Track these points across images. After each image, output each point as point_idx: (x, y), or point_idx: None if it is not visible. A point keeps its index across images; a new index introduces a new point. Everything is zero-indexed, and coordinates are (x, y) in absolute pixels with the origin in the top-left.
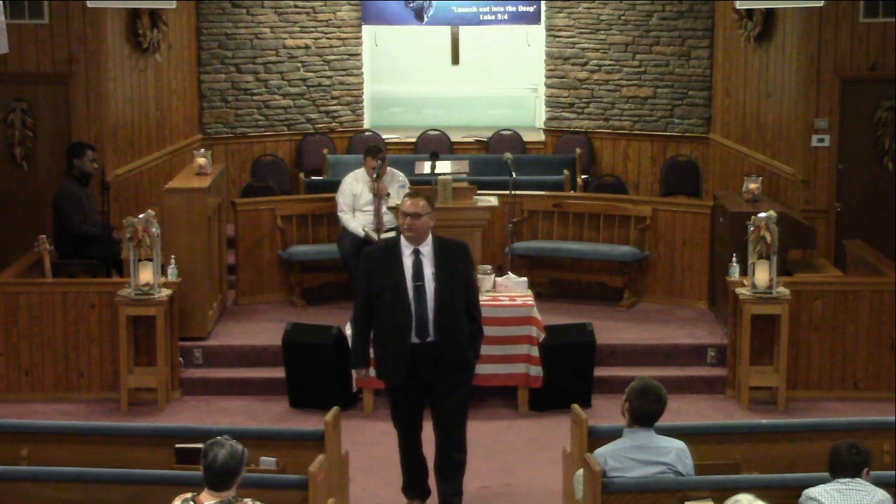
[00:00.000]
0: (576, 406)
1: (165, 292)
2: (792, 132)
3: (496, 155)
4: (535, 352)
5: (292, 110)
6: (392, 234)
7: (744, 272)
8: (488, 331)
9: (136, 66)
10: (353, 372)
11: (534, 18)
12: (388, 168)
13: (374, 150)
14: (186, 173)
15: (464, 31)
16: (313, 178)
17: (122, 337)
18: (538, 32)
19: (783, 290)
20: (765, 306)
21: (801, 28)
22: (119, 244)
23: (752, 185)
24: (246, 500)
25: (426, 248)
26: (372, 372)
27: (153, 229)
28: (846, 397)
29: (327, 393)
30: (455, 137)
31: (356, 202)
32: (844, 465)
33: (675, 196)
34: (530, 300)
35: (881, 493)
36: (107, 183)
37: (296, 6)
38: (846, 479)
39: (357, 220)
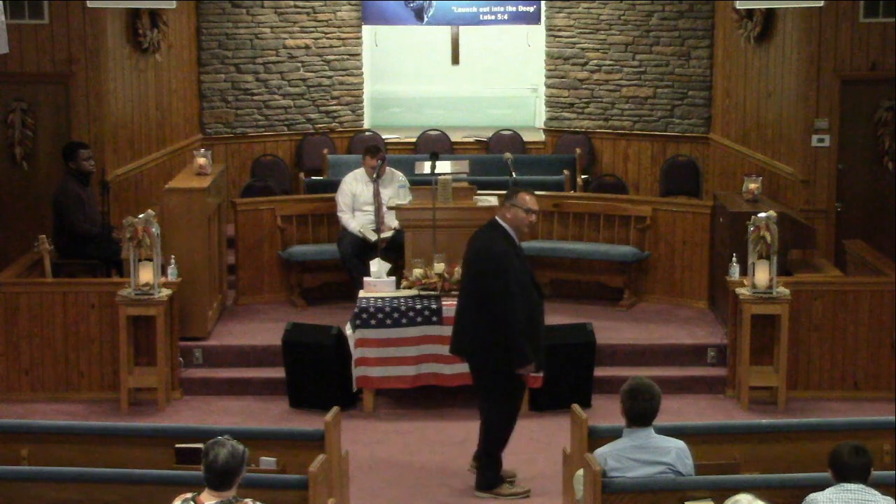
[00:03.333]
0: (576, 406)
1: (165, 292)
2: (792, 132)
3: (496, 155)
4: None
5: (292, 110)
6: (391, 233)
7: (744, 272)
8: None
9: (136, 66)
10: (522, 370)
11: (534, 18)
12: (388, 168)
13: (373, 150)
14: (186, 173)
15: (464, 31)
16: (313, 178)
17: (122, 337)
18: (538, 32)
19: (783, 290)
20: (765, 306)
21: (801, 28)
22: (119, 244)
23: (752, 185)
24: (246, 500)
25: None
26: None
27: (153, 229)
28: (846, 397)
29: (327, 393)
30: (455, 137)
31: (355, 202)
32: (851, 469)
33: (675, 196)
34: None
35: (888, 501)
36: (107, 183)
37: (296, 6)
38: (853, 486)
39: (357, 221)
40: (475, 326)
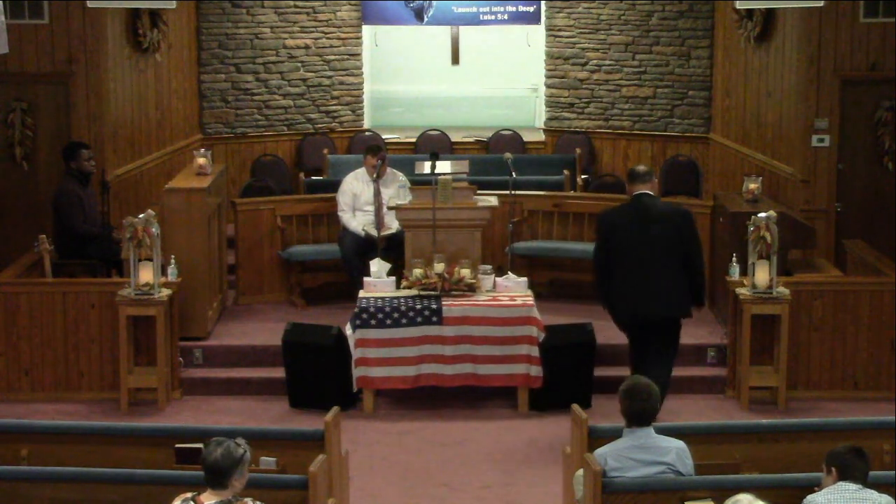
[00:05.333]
0: (576, 406)
1: (165, 292)
2: (792, 132)
3: (496, 155)
4: (535, 352)
5: (292, 110)
6: (393, 230)
7: (744, 272)
8: (488, 331)
9: (136, 66)
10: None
11: (534, 18)
12: (388, 168)
13: (374, 149)
14: (186, 173)
15: (464, 31)
16: (313, 178)
17: (122, 337)
18: (538, 32)
19: (783, 290)
20: (765, 306)
21: (801, 28)
22: (119, 244)
23: (752, 185)
24: (246, 499)
25: None
26: None
27: (153, 229)
28: (846, 397)
29: (327, 393)
30: (455, 137)
31: (356, 202)
32: (857, 469)
33: (675, 196)
34: (530, 300)
35: (886, 499)
36: (107, 183)
37: (296, 6)
38: (851, 486)
39: (357, 220)
40: (680, 283)
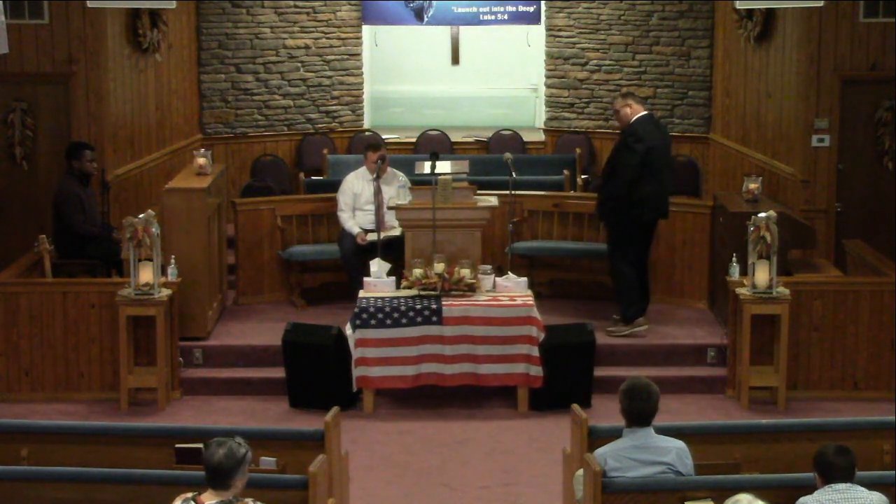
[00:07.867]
0: (576, 406)
1: (165, 292)
2: (792, 132)
3: (496, 155)
4: (534, 351)
5: (292, 110)
6: (396, 231)
7: (744, 272)
8: (488, 331)
9: (136, 66)
10: None
11: (534, 18)
12: (389, 168)
13: (374, 146)
14: (186, 173)
15: (464, 31)
16: (313, 178)
17: (122, 337)
18: (538, 32)
19: (783, 290)
20: (765, 306)
21: (801, 28)
22: (119, 244)
23: (752, 185)
24: (246, 500)
25: None
26: None
27: (153, 229)
28: (846, 397)
29: (327, 393)
30: (455, 137)
31: (356, 201)
32: (838, 468)
33: (674, 196)
34: (530, 300)
35: (877, 496)
36: (107, 183)
37: (296, 6)
38: (841, 486)
39: (356, 220)
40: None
